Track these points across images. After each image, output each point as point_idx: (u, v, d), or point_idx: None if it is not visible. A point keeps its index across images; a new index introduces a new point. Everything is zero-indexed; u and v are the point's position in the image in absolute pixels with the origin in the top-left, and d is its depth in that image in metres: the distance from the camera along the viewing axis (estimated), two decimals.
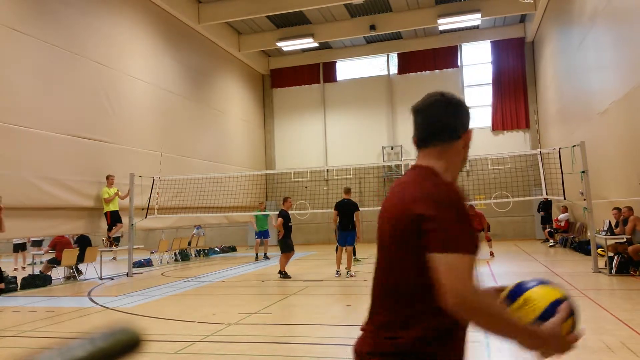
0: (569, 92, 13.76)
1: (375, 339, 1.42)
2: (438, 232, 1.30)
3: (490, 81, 19.32)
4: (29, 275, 10.56)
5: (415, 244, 1.34)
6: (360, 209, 10.39)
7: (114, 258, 16.64)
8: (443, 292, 1.27)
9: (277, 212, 10.72)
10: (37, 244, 14.99)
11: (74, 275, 11.39)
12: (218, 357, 4.73)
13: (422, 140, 1.55)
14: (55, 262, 10.96)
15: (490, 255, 12.44)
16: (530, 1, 15.59)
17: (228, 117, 18.47)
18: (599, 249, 10.13)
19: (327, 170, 19.53)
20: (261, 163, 21.18)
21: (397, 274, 1.43)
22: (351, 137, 20.55)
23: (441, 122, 1.52)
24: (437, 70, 19.91)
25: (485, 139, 18.51)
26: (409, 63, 20.20)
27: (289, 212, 10.74)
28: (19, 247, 14.54)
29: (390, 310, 1.43)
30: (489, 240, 12.93)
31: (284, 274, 10.28)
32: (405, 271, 1.40)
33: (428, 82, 19.70)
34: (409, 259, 1.38)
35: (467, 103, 1.59)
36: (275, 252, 16.63)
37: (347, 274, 10.11)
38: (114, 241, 12.54)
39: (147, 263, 14.09)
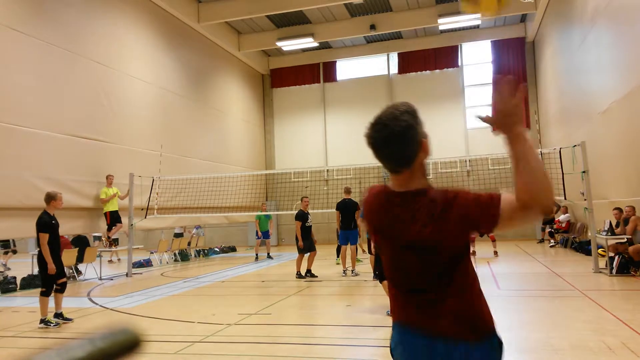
0: (570, 92, 13.74)
1: None
2: None
3: (491, 81, 19.26)
4: (29, 275, 10.54)
5: None
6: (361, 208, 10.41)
7: (111, 260, 16.40)
8: None
9: (295, 213, 10.55)
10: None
11: (73, 275, 11.37)
12: (218, 357, 4.72)
13: (394, 170, 1.70)
14: None
15: (495, 254, 12.48)
16: (531, 1, 15.57)
17: (228, 117, 18.45)
18: (599, 249, 10.10)
19: (327, 170, 19.52)
20: (261, 163, 21.16)
21: None
22: (351, 136, 20.48)
23: (404, 152, 1.63)
24: (437, 70, 19.88)
25: (486, 139, 18.44)
26: (409, 63, 20.17)
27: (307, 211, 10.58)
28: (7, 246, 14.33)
29: None
30: (493, 240, 12.97)
31: (298, 275, 10.21)
32: None
33: (428, 82, 19.69)
34: None
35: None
36: (275, 252, 16.63)
37: (352, 272, 10.21)
38: (113, 242, 12.51)
39: (147, 263, 14.08)
